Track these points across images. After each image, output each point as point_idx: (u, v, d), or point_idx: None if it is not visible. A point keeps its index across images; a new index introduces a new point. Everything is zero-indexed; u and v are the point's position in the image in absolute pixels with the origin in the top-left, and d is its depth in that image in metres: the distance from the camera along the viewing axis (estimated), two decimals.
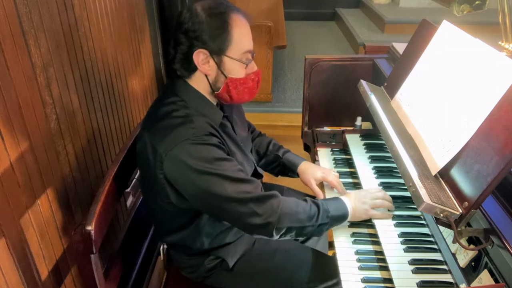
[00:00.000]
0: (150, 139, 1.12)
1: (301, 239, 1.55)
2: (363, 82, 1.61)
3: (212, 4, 1.13)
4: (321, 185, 1.50)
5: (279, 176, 1.60)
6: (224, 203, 1.10)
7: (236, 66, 1.16)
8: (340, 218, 1.24)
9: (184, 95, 1.17)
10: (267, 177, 1.53)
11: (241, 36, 1.14)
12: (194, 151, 1.07)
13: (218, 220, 1.23)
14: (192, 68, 1.16)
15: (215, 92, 1.19)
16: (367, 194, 1.29)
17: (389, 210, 1.30)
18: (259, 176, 1.43)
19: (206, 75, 1.16)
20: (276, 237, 1.15)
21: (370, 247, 1.23)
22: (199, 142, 1.08)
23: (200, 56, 1.12)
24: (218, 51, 1.13)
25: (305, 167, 1.48)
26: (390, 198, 1.31)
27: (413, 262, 1.12)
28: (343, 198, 1.28)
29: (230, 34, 1.12)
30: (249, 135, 1.43)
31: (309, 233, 1.21)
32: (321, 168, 1.50)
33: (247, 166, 1.30)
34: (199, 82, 1.18)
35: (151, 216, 1.35)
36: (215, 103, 1.23)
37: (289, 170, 1.51)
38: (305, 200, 1.22)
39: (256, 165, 1.37)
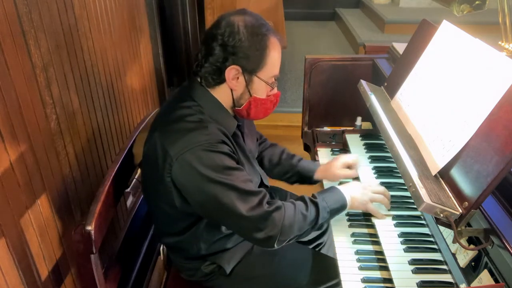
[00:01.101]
0: (161, 141, 1.11)
1: (312, 247, 1.55)
2: (363, 82, 1.61)
3: (255, 23, 1.12)
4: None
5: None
6: (228, 215, 1.09)
7: (263, 87, 1.17)
8: (339, 209, 1.23)
9: (201, 101, 1.17)
10: (271, 181, 1.53)
11: (275, 61, 1.15)
12: (206, 158, 1.07)
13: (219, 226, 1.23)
14: (220, 80, 1.15)
15: (236, 108, 1.19)
16: (368, 186, 1.30)
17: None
18: (265, 187, 1.43)
19: (231, 90, 1.17)
20: (276, 247, 1.15)
21: (370, 247, 1.23)
22: (211, 149, 1.08)
23: (232, 72, 1.12)
24: (251, 71, 1.13)
25: (324, 169, 1.47)
26: (389, 196, 1.31)
27: (413, 262, 1.12)
28: (340, 188, 1.26)
29: (267, 57, 1.12)
30: (257, 147, 1.43)
31: (308, 233, 1.21)
32: (336, 159, 1.47)
33: (254, 178, 1.30)
34: (221, 94, 1.18)
35: (151, 216, 1.35)
36: (231, 113, 1.23)
37: (306, 177, 1.50)
38: (304, 201, 1.20)
39: (261, 176, 1.37)
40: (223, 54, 1.11)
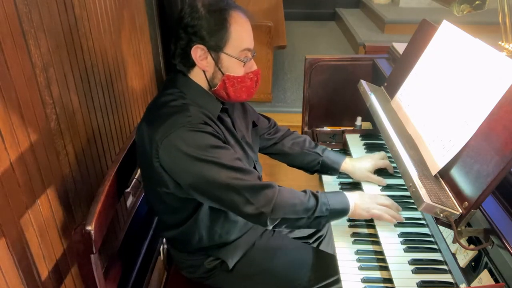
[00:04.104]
0: (147, 128, 1.14)
1: (312, 241, 1.56)
2: (363, 82, 1.61)
3: (212, 1, 1.14)
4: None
5: (283, 176, 1.59)
6: (218, 190, 1.10)
7: (234, 64, 1.16)
8: (340, 211, 1.22)
9: (183, 88, 1.19)
10: (266, 177, 1.53)
11: (239, 34, 1.14)
12: (189, 138, 1.08)
13: (217, 207, 1.21)
14: (190, 64, 1.17)
15: (212, 89, 1.20)
16: (373, 197, 1.27)
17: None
18: None
19: (204, 71, 1.18)
20: (270, 227, 1.14)
21: (370, 247, 1.23)
22: (194, 129, 1.09)
23: (198, 52, 1.14)
24: (216, 48, 1.14)
25: (351, 165, 1.46)
26: (398, 207, 1.27)
27: (413, 262, 1.12)
28: (346, 193, 1.25)
29: (228, 31, 1.12)
30: (250, 133, 1.40)
31: (305, 225, 1.19)
32: (365, 158, 1.48)
33: (245, 163, 1.30)
34: (197, 78, 1.20)
35: (153, 213, 1.35)
36: (214, 96, 1.24)
37: (330, 168, 1.49)
38: (304, 191, 1.21)
39: (256, 165, 1.37)
40: (186, 36, 1.13)
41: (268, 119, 1.56)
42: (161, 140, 1.08)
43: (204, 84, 1.20)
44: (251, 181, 1.12)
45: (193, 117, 1.11)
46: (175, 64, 1.21)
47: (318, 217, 1.18)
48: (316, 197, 1.20)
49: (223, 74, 1.16)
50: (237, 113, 1.35)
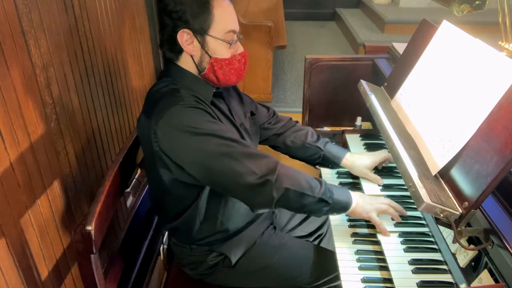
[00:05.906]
0: (144, 118, 1.17)
1: (312, 239, 1.56)
2: (363, 82, 1.61)
3: None
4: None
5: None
6: (219, 162, 1.09)
7: (220, 46, 1.17)
8: (342, 204, 1.21)
9: (174, 76, 1.21)
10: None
11: (223, 16, 1.15)
12: (183, 115, 1.10)
13: (220, 190, 1.20)
14: (178, 49, 1.19)
15: (201, 73, 1.21)
16: (373, 198, 1.27)
17: (395, 225, 1.26)
18: None
19: (191, 56, 1.19)
20: (274, 200, 1.11)
21: (370, 247, 1.23)
22: (187, 106, 1.11)
23: (184, 36, 1.15)
24: (201, 31, 1.15)
25: (351, 161, 1.47)
26: (399, 208, 1.27)
27: (413, 262, 1.12)
28: (350, 191, 1.25)
29: (212, 14, 1.14)
30: (248, 121, 1.39)
31: (308, 206, 1.16)
32: (365, 155, 1.49)
33: None
34: (186, 63, 1.21)
35: (156, 205, 1.36)
36: (205, 82, 1.24)
37: (331, 162, 1.50)
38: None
39: None
40: (171, 22, 1.15)
41: (267, 107, 1.57)
42: (156, 123, 1.10)
43: (193, 70, 1.21)
44: (252, 151, 1.12)
45: (184, 97, 1.13)
46: (164, 53, 1.22)
47: (321, 200, 1.16)
48: (320, 181, 1.19)
49: (210, 57, 1.17)
50: (234, 101, 1.35)
